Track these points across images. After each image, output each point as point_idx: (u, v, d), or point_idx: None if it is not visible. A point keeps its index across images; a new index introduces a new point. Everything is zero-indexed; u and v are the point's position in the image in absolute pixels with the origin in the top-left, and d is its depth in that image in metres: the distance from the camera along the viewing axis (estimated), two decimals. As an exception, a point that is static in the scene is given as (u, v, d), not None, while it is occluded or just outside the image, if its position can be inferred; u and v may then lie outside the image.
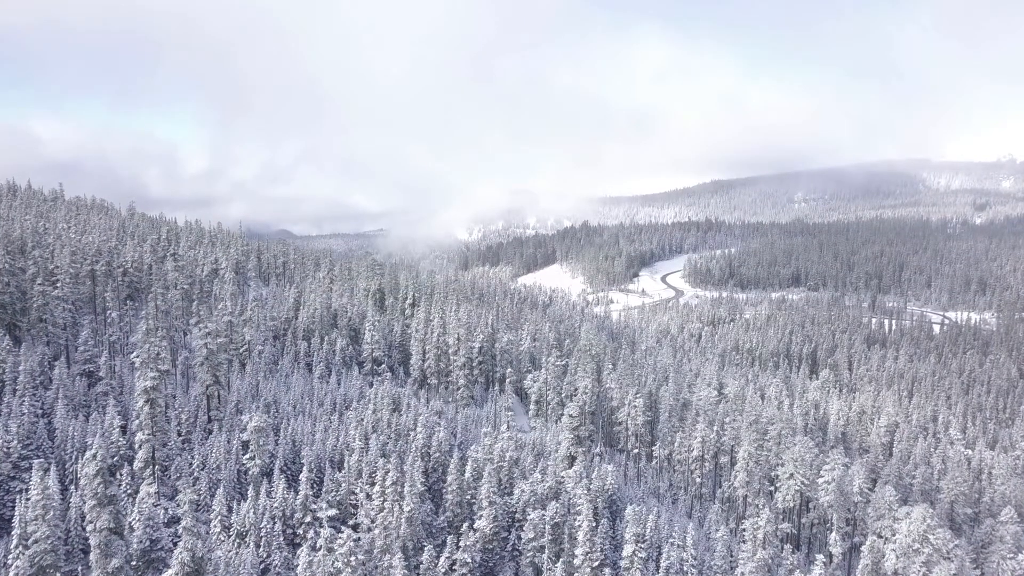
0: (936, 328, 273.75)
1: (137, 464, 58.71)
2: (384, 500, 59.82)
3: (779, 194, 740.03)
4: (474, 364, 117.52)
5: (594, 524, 61.10)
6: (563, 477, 70.66)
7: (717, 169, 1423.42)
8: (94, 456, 49.56)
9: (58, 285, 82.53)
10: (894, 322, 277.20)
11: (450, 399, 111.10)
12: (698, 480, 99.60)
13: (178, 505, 52.33)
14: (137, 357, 62.37)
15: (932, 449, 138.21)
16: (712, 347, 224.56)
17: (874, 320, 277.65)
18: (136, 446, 59.54)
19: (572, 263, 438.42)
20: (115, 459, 61.47)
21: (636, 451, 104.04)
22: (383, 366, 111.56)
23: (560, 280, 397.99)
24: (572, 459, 76.23)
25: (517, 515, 65.29)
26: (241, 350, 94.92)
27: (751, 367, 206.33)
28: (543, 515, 61.49)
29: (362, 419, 76.92)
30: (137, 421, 59.94)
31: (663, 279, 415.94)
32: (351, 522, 61.15)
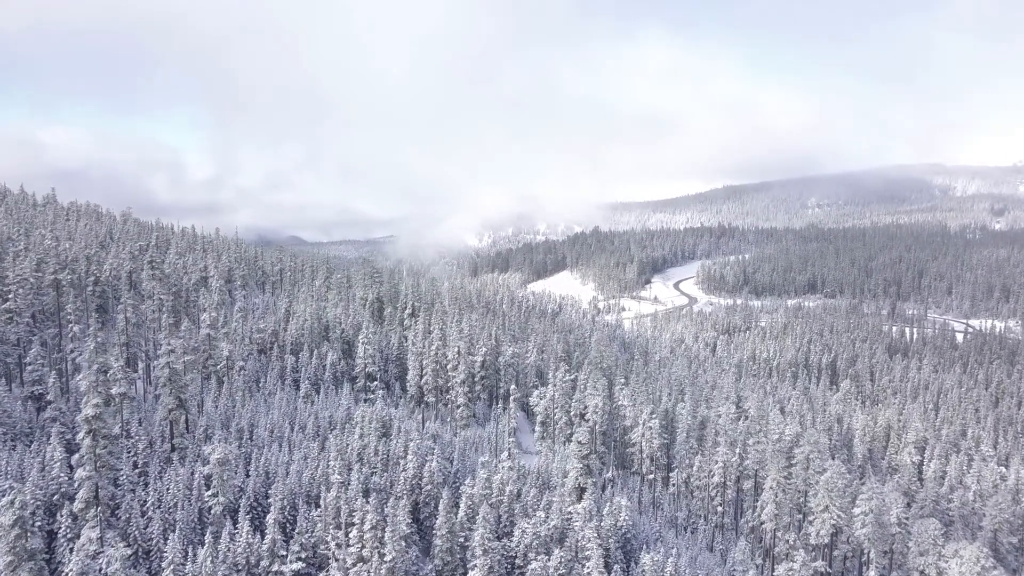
0: (959, 336, 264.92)
1: (78, 505, 50.85)
2: (363, 547, 51.77)
3: (792, 199, 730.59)
4: (475, 380, 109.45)
5: (605, 573, 53.02)
6: (570, 514, 62.49)
7: (728, 174, 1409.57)
8: (11, 503, 41.84)
9: (10, 297, 75.02)
10: (915, 330, 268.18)
11: (449, 418, 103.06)
12: (720, 509, 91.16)
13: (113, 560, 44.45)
14: (83, 380, 54.59)
15: (966, 468, 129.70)
16: (728, 357, 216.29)
17: (894, 328, 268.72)
18: (77, 483, 51.71)
19: (583, 269, 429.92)
20: (56, 497, 53.75)
21: (651, 476, 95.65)
22: (376, 383, 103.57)
23: (570, 287, 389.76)
24: (581, 491, 68.01)
25: (518, 561, 57.10)
26: (219, 366, 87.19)
27: (769, 378, 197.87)
28: (547, 564, 53.32)
29: (347, 446, 68.96)
30: (78, 455, 52.13)
31: (676, 286, 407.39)
32: (323, 573, 53.20)
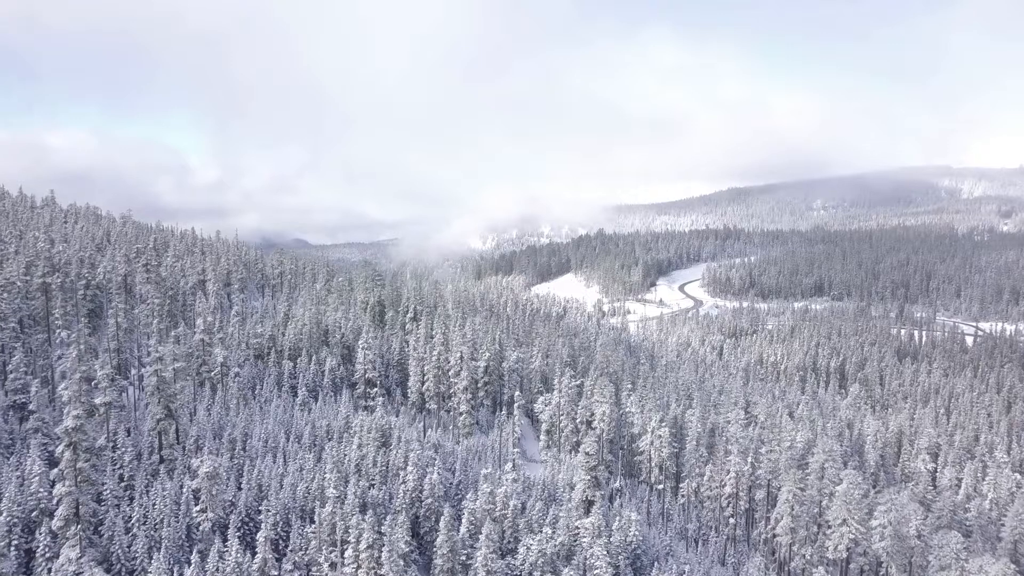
0: (969, 340, 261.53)
1: (56, 522, 48.07)
2: (358, 567, 48.92)
3: (798, 201, 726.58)
4: (479, 386, 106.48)
5: (616, 595, 50.10)
6: (578, 529, 59.57)
7: (734, 176, 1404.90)
8: (-20, 524, 38.95)
9: (-6, 302, 72.35)
10: (924, 333, 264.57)
11: (451, 426, 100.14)
12: (731, 521, 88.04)
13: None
14: (66, 390, 51.86)
15: (980, 476, 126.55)
16: (735, 360, 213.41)
17: (903, 331, 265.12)
18: (56, 499, 48.92)
19: (587, 272, 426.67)
20: (35, 513, 50.95)
21: (660, 486, 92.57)
22: (376, 389, 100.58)
23: (575, 290, 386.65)
24: (589, 504, 65.14)
25: (522, 580, 54.22)
26: (214, 373, 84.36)
27: (776, 382, 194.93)
28: (553, 585, 50.45)
29: (344, 457, 66.12)
30: (58, 469, 49.35)
31: (681, 288, 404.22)
32: (317, 595, 50.41)
